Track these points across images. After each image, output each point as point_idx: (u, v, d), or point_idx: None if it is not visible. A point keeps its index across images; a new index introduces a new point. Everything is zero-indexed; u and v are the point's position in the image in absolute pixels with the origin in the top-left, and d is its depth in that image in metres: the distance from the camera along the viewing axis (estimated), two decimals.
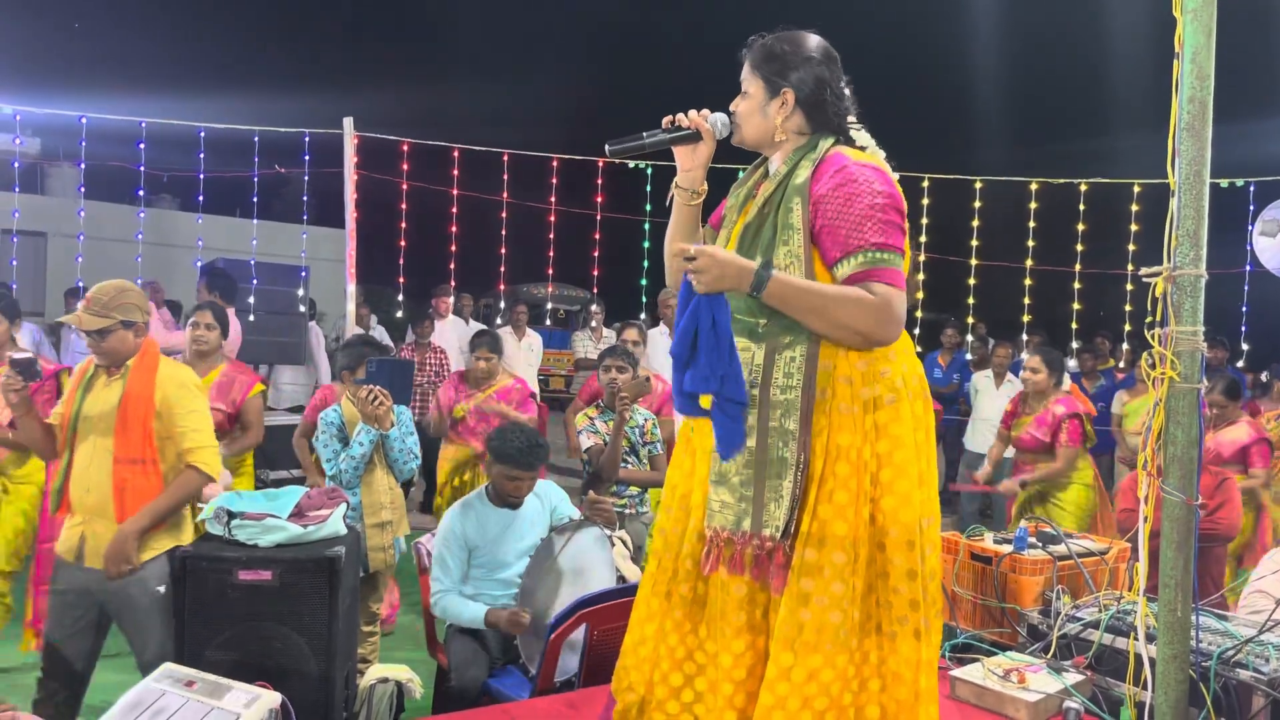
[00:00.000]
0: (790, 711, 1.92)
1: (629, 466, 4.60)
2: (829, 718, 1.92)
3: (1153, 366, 2.27)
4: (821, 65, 2.10)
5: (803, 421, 1.96)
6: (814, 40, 2.13)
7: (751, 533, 1.99)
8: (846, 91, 2.14)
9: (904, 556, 1.98)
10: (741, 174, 2.27)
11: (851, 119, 2.15)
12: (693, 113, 2.15)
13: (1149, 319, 2.31)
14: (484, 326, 7.99)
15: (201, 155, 7.90)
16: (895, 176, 2.09)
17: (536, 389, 8.42)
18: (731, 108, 2.17)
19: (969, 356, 9.60)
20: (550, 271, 9.72)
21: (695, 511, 2.13)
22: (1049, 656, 2.86)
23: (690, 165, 2.18)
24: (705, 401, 2.04)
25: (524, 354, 8.77)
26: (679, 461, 2.21)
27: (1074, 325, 9.05)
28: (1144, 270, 2.31)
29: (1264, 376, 6.87)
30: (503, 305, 9.36)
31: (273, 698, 2.38)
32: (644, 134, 2.13)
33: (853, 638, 1.95)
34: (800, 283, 1.96)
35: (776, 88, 2.10)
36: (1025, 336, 9.29)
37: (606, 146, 2.12)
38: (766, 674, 1.96)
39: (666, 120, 2.14)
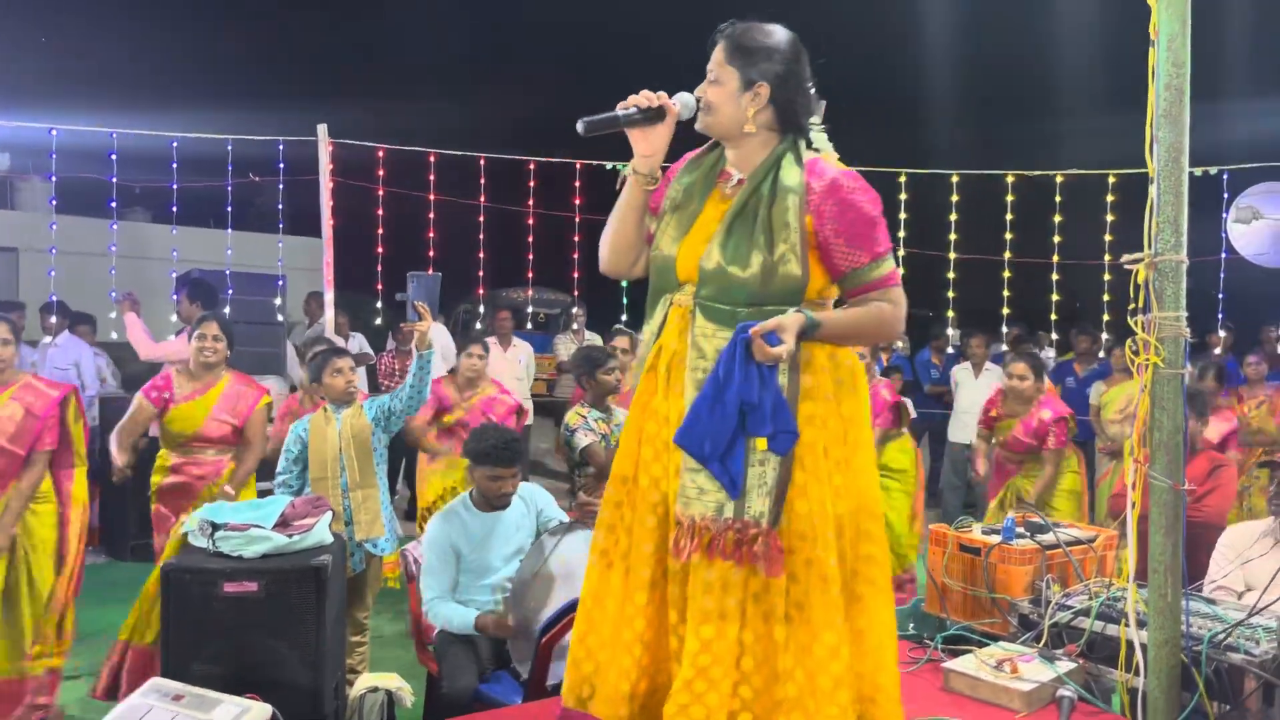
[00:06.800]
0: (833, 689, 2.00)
1: None
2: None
3: (1136, 353, 2.28)
4: (794, 61, 2.11)
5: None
6: (785, 34, 2.13)
7: (733, 519, 1.98)
8: (811, 90, 2.15)
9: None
10: (690, 159, 2.22)
11: (814, 120, 2.16)
12: (662, 93, 2.11)
13: (1131, 305, 2.32)
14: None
15: (175, 166, 7.84)
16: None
17: (530, 404, 7.71)
18: (698, 93, 2.14)
19: (949, 351, 9.67)
20: (530, 275, 9.66)
21: (647, 495, 2.11)
22: (1041, 645, 2.86)
23: (649, 150, 2.13)
24: None
25: (509, 365, 7.64)
26: (628, 450, 2.18)
27: (1053, 316, 9.10)
28: (1125, 257, 2.32)
29: (1251, 359, 6.96)
30: (482, 310, 9.25)
31: (263, 709, 2.36)
32: (617, 111, 2.10)
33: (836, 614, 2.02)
34: (838, 316, 2.10)
35: (751, 81, 2.09)
36: (1005, 329, 9.34)
37: (579, 124, 2.09)
38: (781, 664, 1.98)
39: (632, 99, 2.10)
